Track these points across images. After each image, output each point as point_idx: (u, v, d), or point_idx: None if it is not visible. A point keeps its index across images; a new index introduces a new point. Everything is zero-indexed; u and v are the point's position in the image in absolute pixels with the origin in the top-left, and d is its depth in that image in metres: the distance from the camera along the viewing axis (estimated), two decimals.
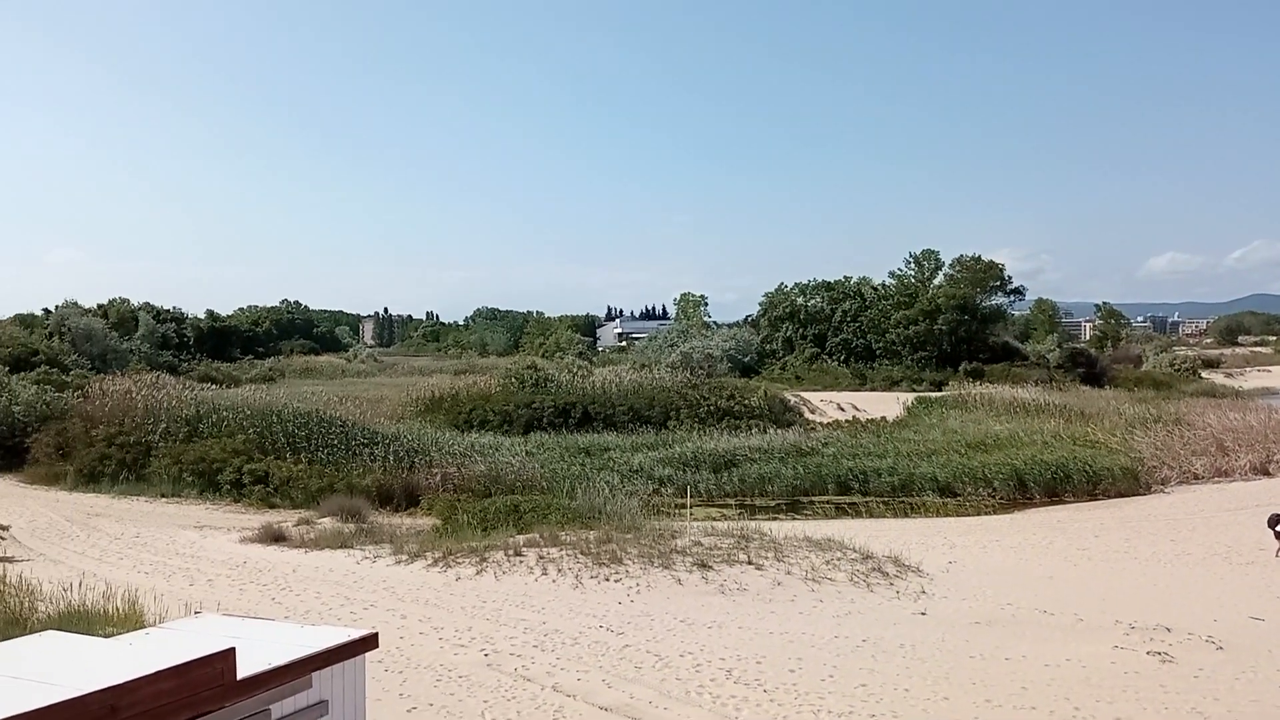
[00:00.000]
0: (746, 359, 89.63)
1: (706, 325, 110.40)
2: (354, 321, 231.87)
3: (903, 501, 33.85)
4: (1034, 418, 48.53)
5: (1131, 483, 35.61)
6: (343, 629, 5.98)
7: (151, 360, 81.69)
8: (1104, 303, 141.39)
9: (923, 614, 16.76)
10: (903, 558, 20.66)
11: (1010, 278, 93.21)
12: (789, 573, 19.11)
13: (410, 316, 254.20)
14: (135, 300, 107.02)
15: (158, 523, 28.05)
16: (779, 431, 44.69)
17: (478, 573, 18.89)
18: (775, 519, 29.21)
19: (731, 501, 34.20)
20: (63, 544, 24.50)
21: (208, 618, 6.46)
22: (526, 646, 14.20)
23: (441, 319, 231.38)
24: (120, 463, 35.99)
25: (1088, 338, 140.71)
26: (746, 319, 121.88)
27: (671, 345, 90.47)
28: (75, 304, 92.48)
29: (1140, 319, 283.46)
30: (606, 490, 28.81)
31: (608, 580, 18.36)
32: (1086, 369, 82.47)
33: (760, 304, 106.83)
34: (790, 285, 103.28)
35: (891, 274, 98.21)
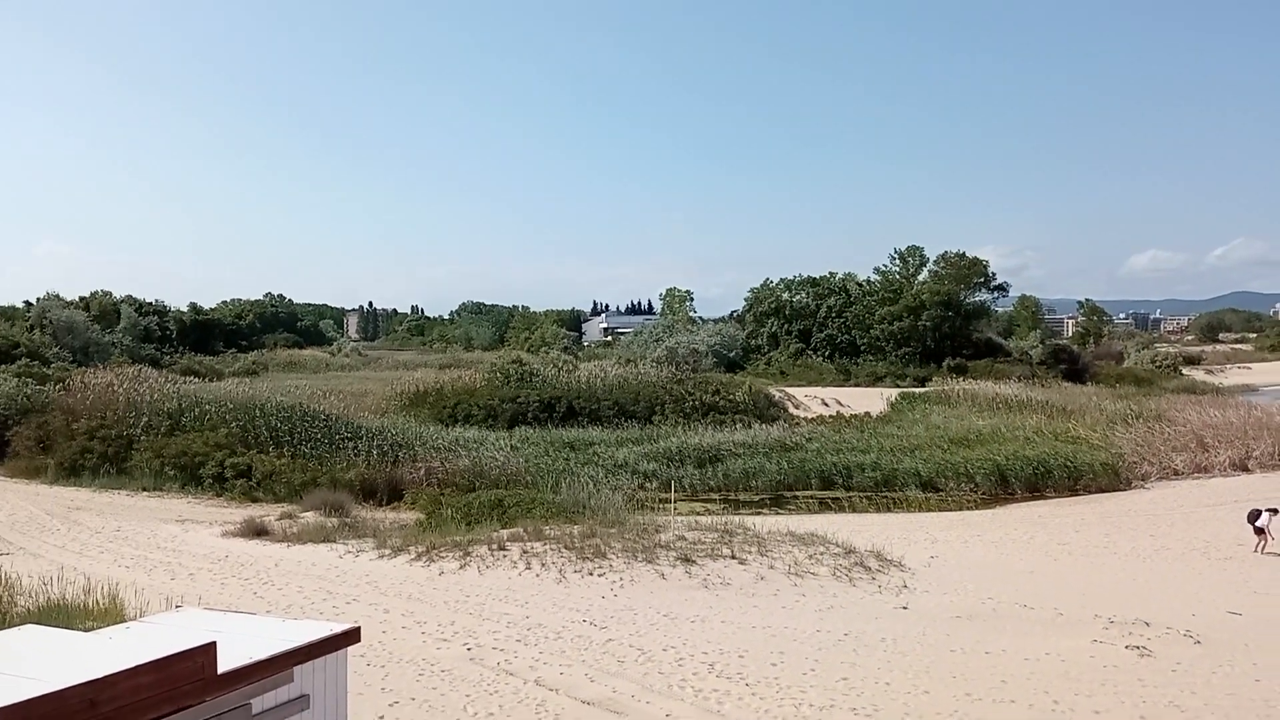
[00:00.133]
0: (732, 354, 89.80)
1: (692, 320, 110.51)
2: (338, 315, 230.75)
3: (885, 496, 34.00)
4: (1016, 414, 48.81)
5: (1112, 478, 35.88)
6: (324, 623, 5.98)
7: (134, 353, 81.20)
8: (1087, 300, 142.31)
9: (904, 608, 16.86)
10: (885, 552, 20.77)
11: (994, 274, 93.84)
12: (772, 567, 19.18)
13: (395, 310, 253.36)
14: (118, 293, 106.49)
15: (139, 516, 27.89)
16: (763, 427, 44.76)
17: (461, 567, 18.88)
18: (759, 514, 29.30)
19: (716, 496, 34.26)
20: (43, 538, 24.34)
21: (189, 612, 6.44)
22: (509, 641, 14.20)
23: (426, 313, 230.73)
24: (101, 456, 35.76)
25: (1070, 334, 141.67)
26: (732, 314, 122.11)
27: (657, 340, 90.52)
28: (57, 297, 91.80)
29: (1122, 316, 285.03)
30: (591, 485, 28.80)
31: (591, 574, 18.38)
32: (1069, 365, 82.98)
33: (746, 299, 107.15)
34: (776, 281, 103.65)
35: (876, 270, 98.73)
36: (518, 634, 14.56)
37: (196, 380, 56.40)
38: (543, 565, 18.87)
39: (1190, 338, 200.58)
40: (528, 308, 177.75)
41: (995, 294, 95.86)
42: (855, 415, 53.36)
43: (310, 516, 26.28)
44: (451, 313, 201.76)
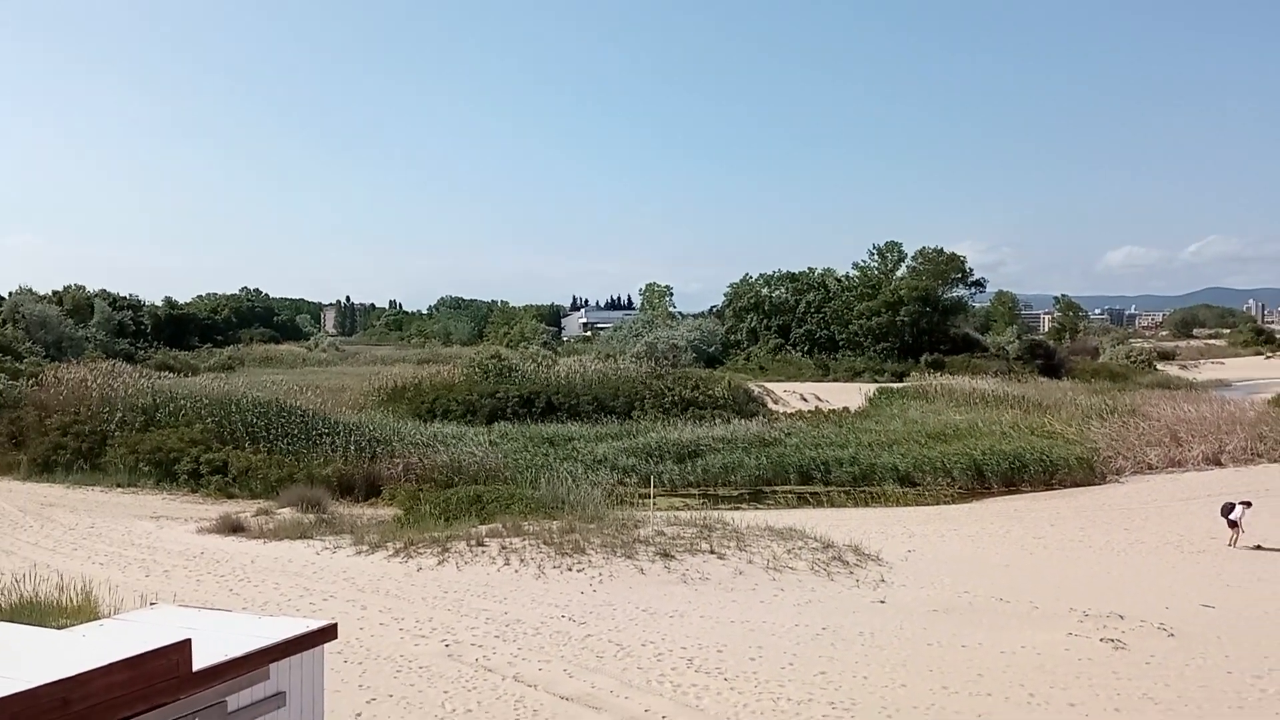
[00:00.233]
0: (711, 349, 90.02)
1: (672, 315, 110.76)
2: (315, 310, 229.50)
3: (863, 491, 34.17)
4: (993, 408, 49.17)
5: (1087, 473, 36.23)
6: (301, 620, 5.94)
7: (108, 348, 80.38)
8: (1063, 295, 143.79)
9: (882, 602, 16.96)
10: (863, 547, 20.88)
11: (971, 270, 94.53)
12: (751, 562, 19.24)
13: (373, 305, 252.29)
14: (91, 287, 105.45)
15: (113, 513, 27.64)
16: (742, 422, 44.87)
17: (439, 563, 18.83)
18: (738, 508, 29.36)
19: (695, 491, 34.32)
20: (15, 534, 24.07)
21: (163, 609, 6.39)
22: (488, 637, 14.18)
23: (405, 308, 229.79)
24: (75, 452, 35.39)
25: (1046, 330, 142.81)
26: (711, 309, 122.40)
27: (636, 335, 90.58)
28: (30, 291, 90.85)
29: (1098, 311, 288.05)
30: (570, 480, 28.79)
31: (570, 570, 18.38)
32: (1045, 360, 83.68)
33: (725, 295, 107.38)
34: (755, 276, 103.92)
35: (855, 265, 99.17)
36: (496, 630, 14.53)
37: (171, 375, 56.10)
38: (521, 561, 18.84)
39: (1165, 333, 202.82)
40: (507, 303, 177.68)
41: (972, 290, 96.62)
42: (833, 410, 53.53)
43: (287, 513, 26.13)
44: (430, 308, 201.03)
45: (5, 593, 14.65)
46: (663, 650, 13.60)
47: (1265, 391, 66.65)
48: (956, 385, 58.90)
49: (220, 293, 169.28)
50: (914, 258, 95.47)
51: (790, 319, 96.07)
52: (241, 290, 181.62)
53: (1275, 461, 38.33)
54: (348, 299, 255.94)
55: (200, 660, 4.87)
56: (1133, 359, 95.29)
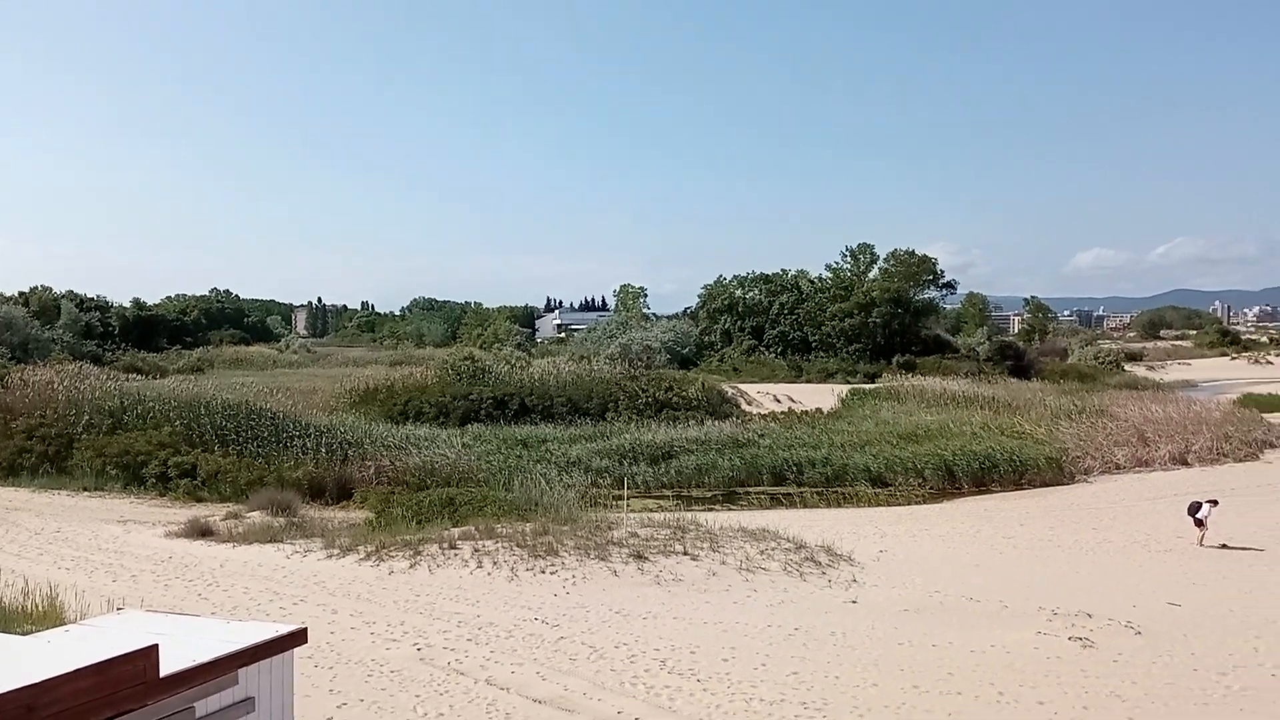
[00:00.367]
0: (685, 351, 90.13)
1: (646, 317, 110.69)
2: (286, 311, 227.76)
3: (836, 491, 34.34)
4: (963, 409, 49.60)
5: (1056, 472, 36.61)
6: (270, 624, 5.91)
7: (74, 350, 79.22)
8: (1032, 297, 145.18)
9: (853, 602, 17.06)
10: (835, 547, 20.99)
11: (942, 272, 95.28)
12: (724, 563, 19.30)
13: (345, 306, 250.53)
14: (58, 288, 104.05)
15: (79, 517, 27.28)
16: (716, 423, 44.95)
17: (411, 566, 18.73)
18: (711, 510, 29.44)
19: (669, 493, 34.36)
20: None
21: (130, 614, 6.34)
22: (460, 640, 14.13)
23: (377, 309, 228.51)
24: (41, 455, 34.90)
25: (1016, 331, 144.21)
26: (685, 311, 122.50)
27: (610, 337, 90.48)
28: None
29: (1067, 313, 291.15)
30: (543, 482, 28.73)
31: (543, 572, 18.34)
32: (1015, 361, 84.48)
33: (699, 296, 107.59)
34: (729, 278, 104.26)
35: (828, 267, 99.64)
36: (469, 633, 14.48)
37: (139, 377, 55.45)
38: (494, 564, 18.79)
39: (1132, 334, 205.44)
40: (480, 304, 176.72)
41: (944, 291, 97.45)
42: (807, 411, 53.79)
43: (256, 516, 25.90)
44: (403, 309, 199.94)
45: None
46: (636, 652, 13.61)
47: (1231, 392, 67.76)
48: (928, 386, 59.33)
49: (189, 294, 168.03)
50: (886, 259, 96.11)
51: (764, 320, 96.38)
52: (211, 291, 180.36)
53: (1241, 461, 38.94)
54: (319, 300, 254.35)
55: (168, 665, 4.84)
56: (1101, 360, 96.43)
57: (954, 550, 23.01)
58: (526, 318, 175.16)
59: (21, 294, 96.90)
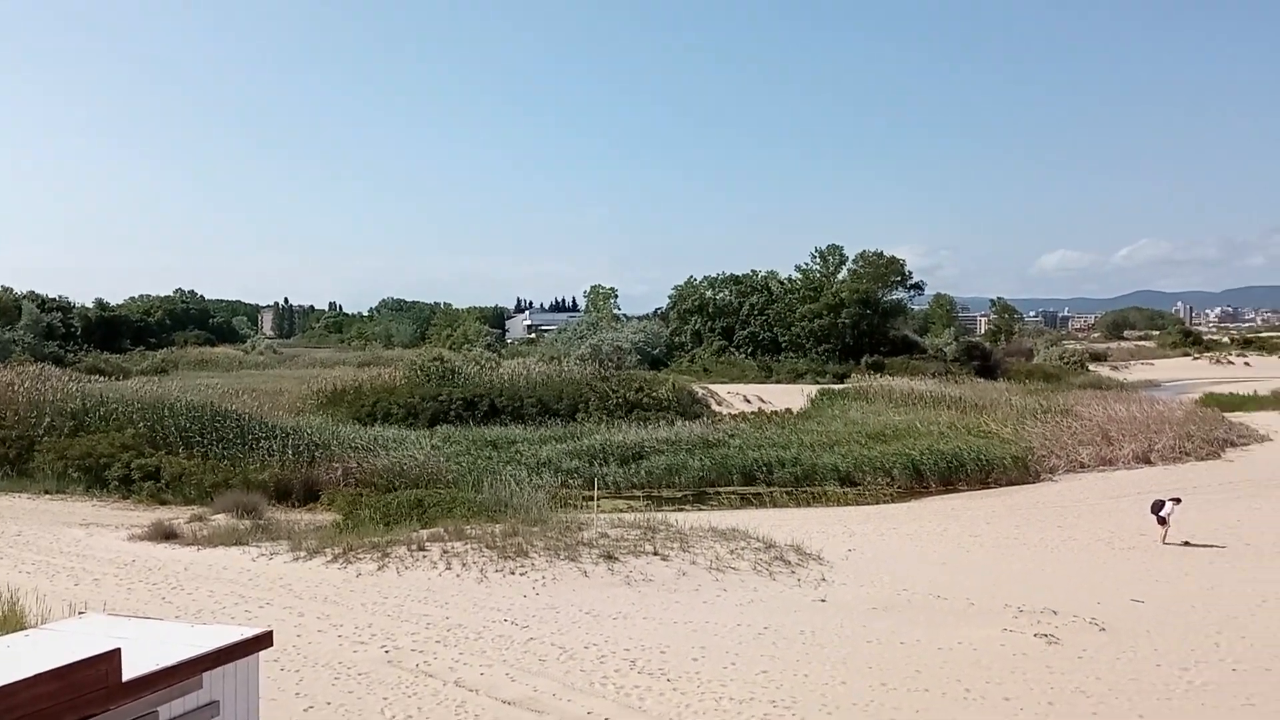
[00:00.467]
0: (656, 351, 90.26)
1: (616, 318, 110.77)
2: (252, 312, 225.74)
3: (805, 491, 34.50)
4: (931, 409, 50.03)
5: (1022, 471, 37.01)
6: (235, 628, 5.86)
7: (36, 351, 78.03)
8: (999, 298, 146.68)
9: (822, 601, 17.15)
10: (804, 546, 21.09)
11: (910, 273, 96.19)
12: (694, 563, 19.33)
13: (312, 307, 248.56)
14: (19, 289, 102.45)
15: (41, 520, 26.83)
16: (686, 423, 45.02)
17: (379, 568, 18.60)
18: (682, 510, 29.49)
19: (639, 493, 34.35)
20: None
21: (92, 618, 6.26)
22: (429, 642, 14.05)
23: (345, 310, 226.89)
24: (1, 458, 34.32)
25: (983, 332, 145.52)
26: (656, 312, 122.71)
27: (581, 338, 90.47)
28: None
29: (1032, 314, 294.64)
30: (513, 483, 28.61)
31: (513, 574, 18.28)
32: (981, 362, 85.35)
33: (670, 297, 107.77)
34: (699, 278, 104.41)
35: (798, 268, 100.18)
36: (437, 635, 14.41)
37: (102, 379, 54.76)
38: (463, 565, 18.70)
39: (1097, 335, 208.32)
40: (450, 304, 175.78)
41: (911, 292, 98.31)
42: (776, 412, 54.02)
43: (222, 519, 25.61)
44: (371, 309, 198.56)
45: None
46: (606, 652, 13.61)
47: (1193, 392, 68.88)
48: (896, 386, 59.79)
49: (153, 294, 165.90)
50: (855, 261, 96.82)
51: (734, 321, 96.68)
52: (175, 292, 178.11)
53: (1203, 460, 39.58)
54: (286, 301, 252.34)
55: (130, 670, 4.78)
56: (1066, 360, 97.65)
57: (921, 549, 23.19)
58: (496, 318, 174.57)
59: None
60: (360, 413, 46.47)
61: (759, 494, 34.32)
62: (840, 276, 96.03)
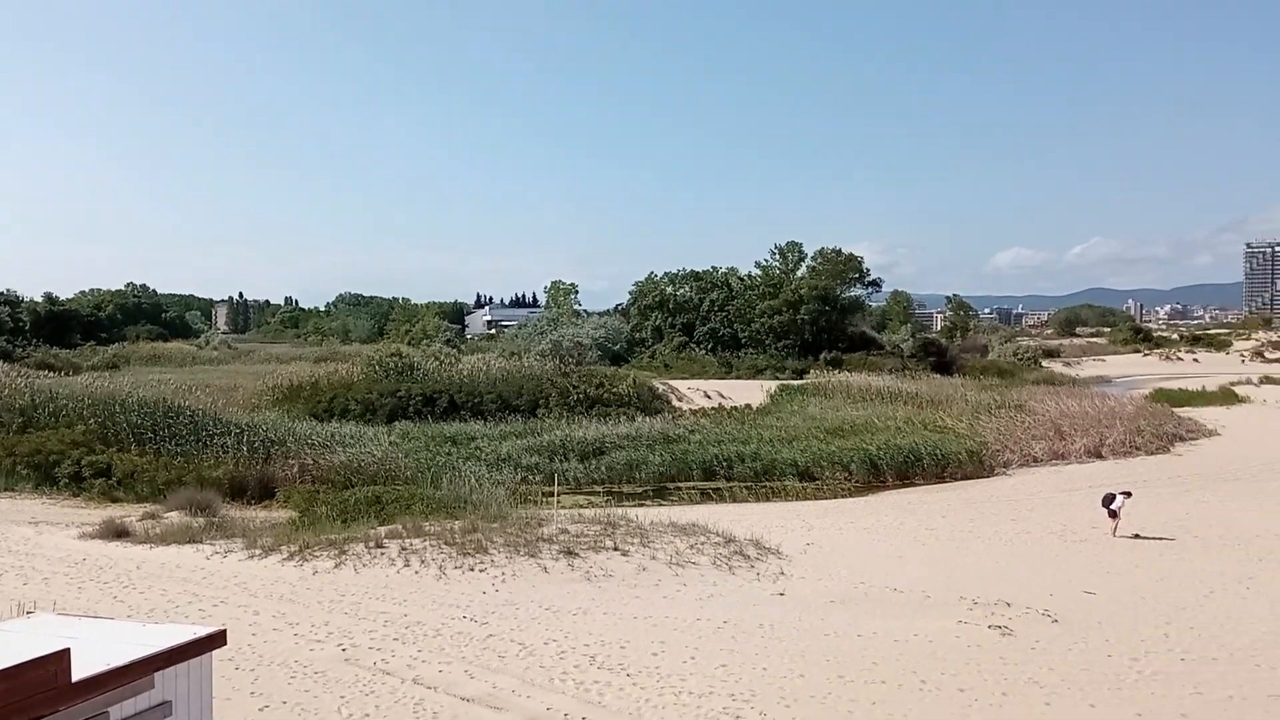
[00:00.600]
0: (616, 347, 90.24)
1: (577, 313, 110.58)
2: (206, 306, 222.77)
3: (765, 486, 34.69)
4: (888, 404, 50.55)
5: (977, 466, 37.50)
6: (188, 626, 5.79)
7: None
8: (954, 295, 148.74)
9: (781, 595, 17.28)
10: (763, 540, 21.22)
11: (868, 270, 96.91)
12: (654, 558, 19.37)
13: (268, 302, 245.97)
14: None
15: None
16: (647, 419, 45.05)
17: (336, 566, 18.44)
18: (642, 505, 29.50)
19: (599, 489, 34.34)
20: None
21: (41, 617, 6.16)
22: (386, 640, 13.96)
23: (301, 304, 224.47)
24: None
25: (939, 328, 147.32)
26: (617, 308, 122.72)
27: (541, 333, 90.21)
28: None
29: (987, 311, 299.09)
30: (473, 480, 28.49)
31: (472, 570, 18.21)
32: (937, 358, 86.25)
33: (630, 293, 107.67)
34: (660, 274, 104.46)
35: (758, 264, 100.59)
36: (395, 633, 14.31)
37: (52, 374, 53.66)
38: (422, 562, 18.59)
39: (1050, 332, 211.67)
40: (409, 300, 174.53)
41: (869, 289, 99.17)
42: (736, 407, 54.25)
43: (175, 516, 25.21)
44: (328, 304, 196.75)
45: None
46: (566, 648, 13.61)
47: (1143, 387, 70.25)
48: (854, 382, 60.27)
49: (105, 288, 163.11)
50: (814, 257, 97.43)
51: (694, 317, 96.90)
52: (127, 286, 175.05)
53: (1152, 454, 40.39)
54: (241, 295, 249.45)
55: (80, 670, 4.71)
56: (1020, 356, 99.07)
57: (879, 542, 23.43)
58: (456, 314, 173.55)
59: None
60: (317, 409, 45.96)
61: (719, 489, 34.46)
62: (799, 273, 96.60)
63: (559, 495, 30.34)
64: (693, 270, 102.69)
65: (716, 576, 18.49)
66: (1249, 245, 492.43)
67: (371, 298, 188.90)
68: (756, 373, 78.24)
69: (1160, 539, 23.42)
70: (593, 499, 32.04)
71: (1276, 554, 21.49)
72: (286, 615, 15.25)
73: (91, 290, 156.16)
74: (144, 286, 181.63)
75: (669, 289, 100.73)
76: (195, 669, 5.55)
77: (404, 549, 19.24)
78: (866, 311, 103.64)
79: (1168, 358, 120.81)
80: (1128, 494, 24.61)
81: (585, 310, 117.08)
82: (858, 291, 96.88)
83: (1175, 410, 51.41)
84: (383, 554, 19.01)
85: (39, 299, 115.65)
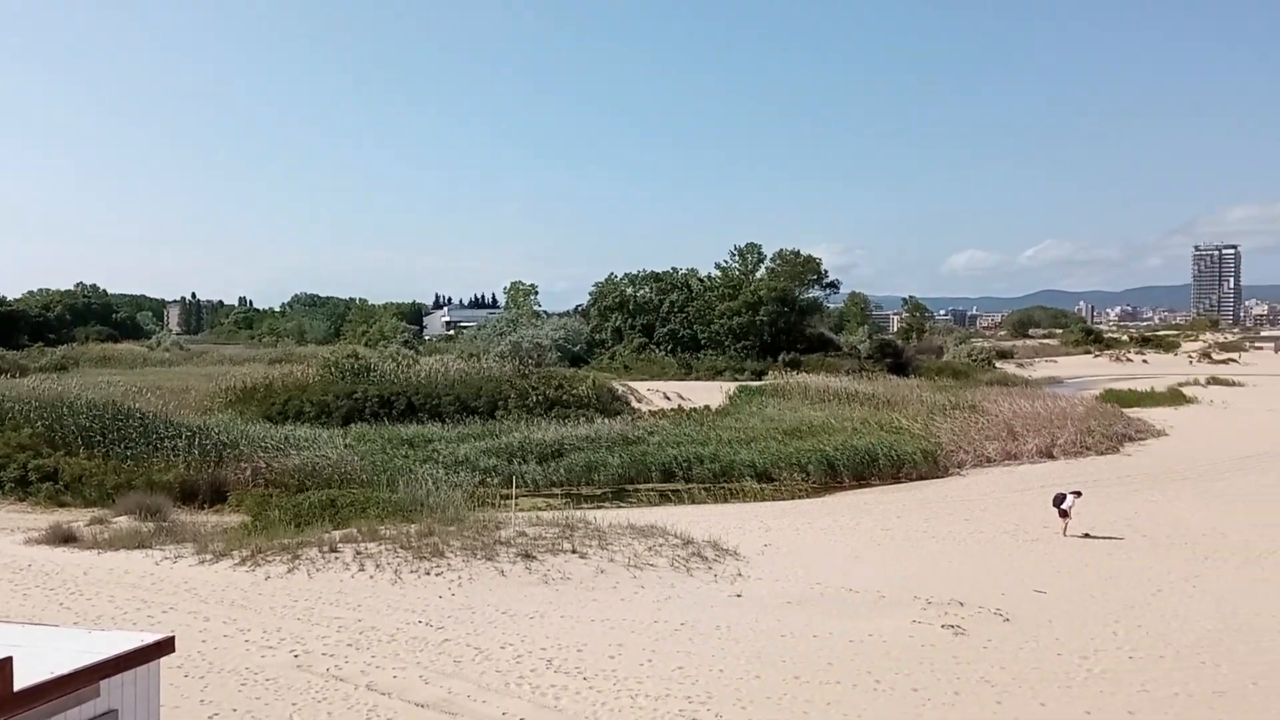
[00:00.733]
0: (576, 348, 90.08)
1: (537, 314, 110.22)
2: (158, 307, 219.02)
3: (723, 487, 34.82)
4: (845, 405, 50.96)
5: (931, 466, 37.94)
6: (135, 634, 5.70)
7: None
8: (910, 296, 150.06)
9: (739, 596, 17.36)
10: (721, 542, 21.30)
11: (826, 272, 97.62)
12: (612, 560, 19.37)
13: (221, 302, 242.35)
14: None
15: None
16: (606, 421, 45.02)
17: (289, 571, 18.21)
18: (601, 507, 29.47)
19: (558, 491, 34.25)
20: None
21: None
22: (340, 645, 13.82)
23: (256, 305, 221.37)
24: None
25: (896, 329, 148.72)
26: (577, 309, 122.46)
27: (501, 334, 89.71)
28: None
29: (943, 312, 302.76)
30: (430, 483, 28.27)
31: (428, 574, 18.08)
32: (894, 359, 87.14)
33: (590, 294, 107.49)
34: (620, 276, 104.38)
35: (717, 266, 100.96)
36: (349, 638, 14.18)
37: None
38: (377, 566, 18.42)
39: (1003, 333, 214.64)
40: (366, 300, 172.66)
41: (827, 291, 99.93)
42: (695, 409, 54.37)
43: (124, 521, 24.76)
44: (283, 305, 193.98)
45: None
46: (522, 652, 13.57)
47: (1094, 388, 71.49)
48: (812, 383, 60.70)
49: (53, 288, 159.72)
50: (773, 259, 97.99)
51: (654, 318, 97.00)
52: (76, 286, 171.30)
53: (1103, 454, 41.13)
54: (193, 296, 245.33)
55: (23, 679, 4.63)
56: (974, 358, 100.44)
57: (835, 543, 23.62)
58: (414, 315, 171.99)
59: None
60: (271, 411, 45.37)
61: (678, 491, 34.52)
62: (758, 275, 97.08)
63: (517, 498, 30.23)
64: (653, 271, 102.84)
65: (674, 578, 18.53)
66: (1197, 248, 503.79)
67: (328, 298, 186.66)
68: (716, 374, 78.51)
69: (1109, 538, 23.87)
70: (551, 501, 31.96)
71: (1222, 552, 22.00)
72: (238, 621, 15.04)
73: (40, 290, 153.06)
74: (94, 286, 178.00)
75: (629, 290, 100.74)
76: (142, 677, 5.47)
77: (359, 553, 19.06)
78: (824, 313, 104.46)
79: (1118, 359, 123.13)
80: (1078, 494, 25.05)
81: (545, 311, 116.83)
82: (816, 293, 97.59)
83: (1125, 411, 52.41)
84: (337, 558, 18.81)
85: None
